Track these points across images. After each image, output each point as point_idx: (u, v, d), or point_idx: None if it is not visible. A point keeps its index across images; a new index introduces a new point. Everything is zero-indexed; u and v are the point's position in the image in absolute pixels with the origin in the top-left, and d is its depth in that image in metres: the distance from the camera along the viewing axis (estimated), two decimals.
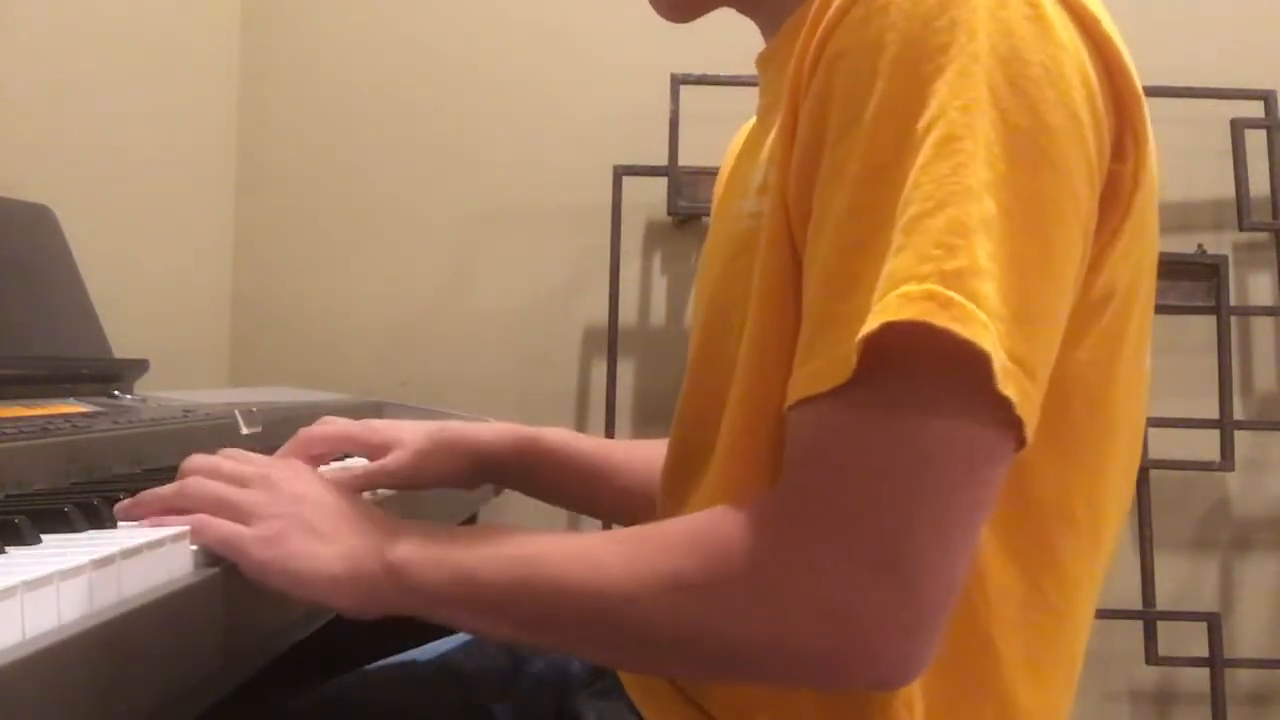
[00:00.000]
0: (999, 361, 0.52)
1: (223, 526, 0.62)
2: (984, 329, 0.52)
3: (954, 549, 0.55)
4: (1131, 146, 0.60)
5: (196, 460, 0.69)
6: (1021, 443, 0.55)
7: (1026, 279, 0.54)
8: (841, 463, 0.55)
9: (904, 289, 0.53)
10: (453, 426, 0.92)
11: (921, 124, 0.55)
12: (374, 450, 0.89)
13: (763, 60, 0.79)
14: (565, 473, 0.96)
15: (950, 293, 0.52)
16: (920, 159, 0.55)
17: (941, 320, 0.52)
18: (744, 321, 0.67)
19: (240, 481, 0.66)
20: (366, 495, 0.86)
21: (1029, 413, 0.54)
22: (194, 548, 0.61)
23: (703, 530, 0.58)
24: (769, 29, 0.79)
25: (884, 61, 0.57)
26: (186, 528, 0.62)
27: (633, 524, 0.92)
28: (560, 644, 0.64)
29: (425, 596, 0.61)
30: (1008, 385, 0.52)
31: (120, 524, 0.65)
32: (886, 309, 0.53)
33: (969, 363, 0.52)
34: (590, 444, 0.99)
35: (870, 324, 0.53)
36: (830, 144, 0.59)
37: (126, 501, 0.66)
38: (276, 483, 0.66)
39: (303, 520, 0.63)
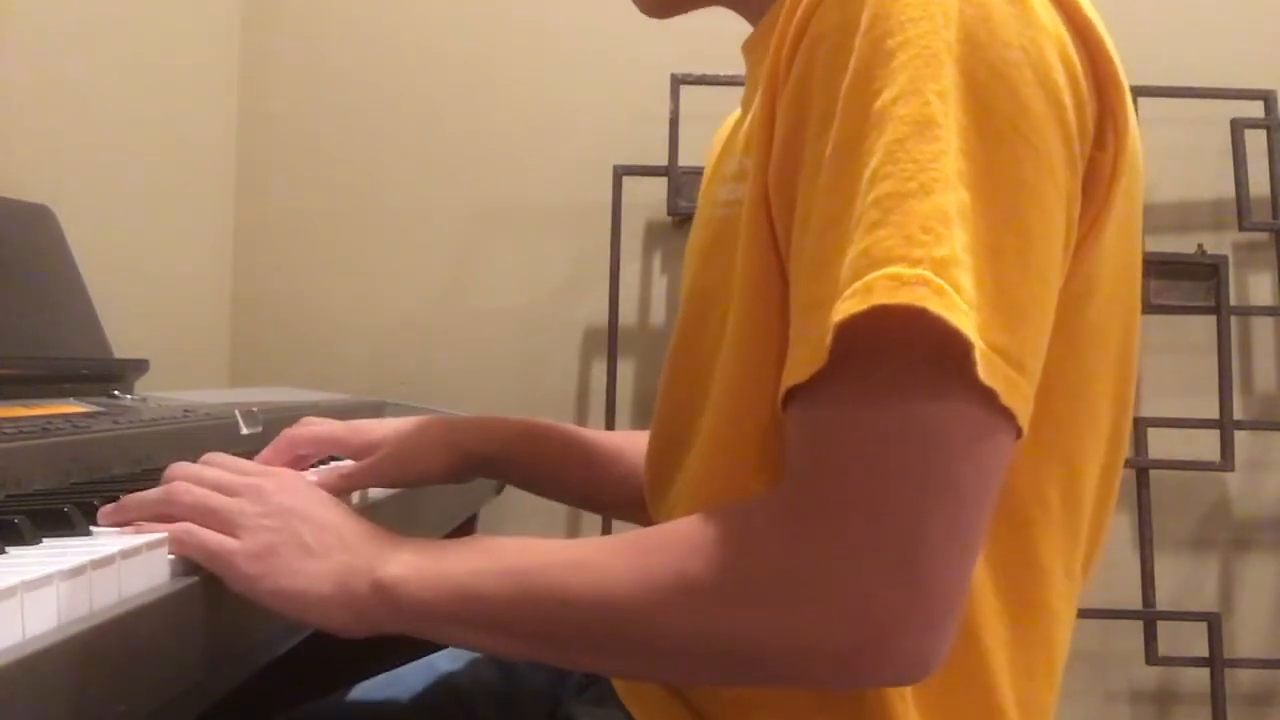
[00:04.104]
0: (979, 350, 0.51)
1: (209, 538, 0.60)
2: (965, 317, 0.51)
3: (964, 540, 0.53)
4: (1111, 134, 0.59)
5: (180, 467, 0.67)
6: (1018, 433, 0.54)
7: (1003, 270, 0.53)
8: (840, 457, 0.54)
9: (894, 270, 0.51)
10: (441, 420, 0.89)
11: (886, 98, 0.54)
12: (358, 452, 0.85)
13: (748, 46, 0.77)
14: (566, 459, 0.93)
15: (941, 280, 0.51)
16: (891, 134, 0.53)
17: (936, 307, 0.50)
18: (723, 310, 0.66)
19: (228, 490, 0.64)
20: (355, 497, 0.84)
21: (1017, 403, 0.53)
22: None
23: (708, 531, 0.56)
24: (754, 16, 0.77)
25: (856, 39, 0.55)
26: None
27: (632, 514, 0.92)
28: (565, 656, 0.61)
29: (419, 615, 0.59)
30: (988, 374, 0.51)
31: (103, 530, 0.63)
32: (876, 291, 0.51)
33: (955, 351, 0.51)
34: (589, 431, 0.98)
35: (858, 304, 0.51)
36: (812, 135, 0.57)
37: (109, 507, 0.64)
38: (266, 493, 0.63)
39: (292, 534, 0.61)
